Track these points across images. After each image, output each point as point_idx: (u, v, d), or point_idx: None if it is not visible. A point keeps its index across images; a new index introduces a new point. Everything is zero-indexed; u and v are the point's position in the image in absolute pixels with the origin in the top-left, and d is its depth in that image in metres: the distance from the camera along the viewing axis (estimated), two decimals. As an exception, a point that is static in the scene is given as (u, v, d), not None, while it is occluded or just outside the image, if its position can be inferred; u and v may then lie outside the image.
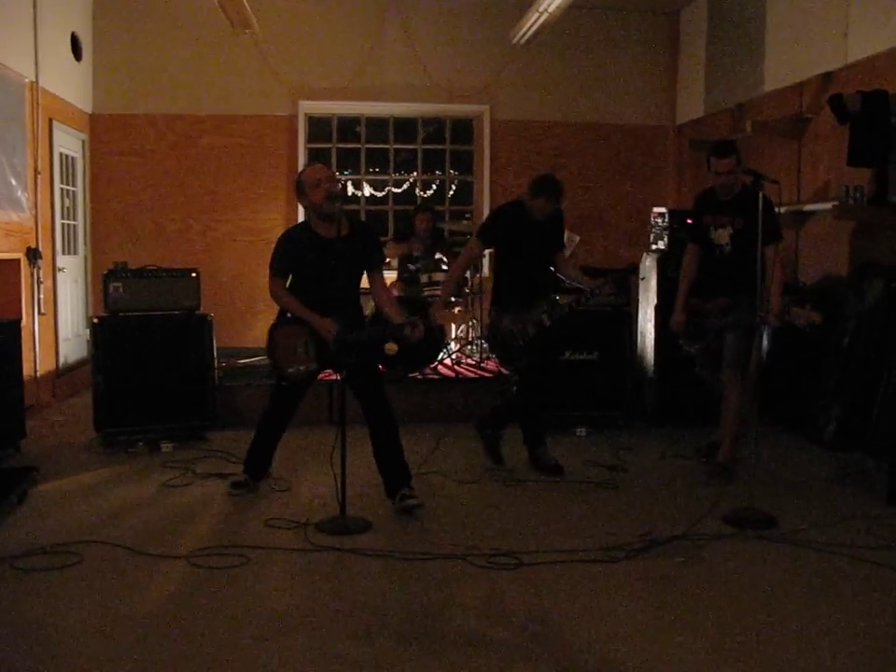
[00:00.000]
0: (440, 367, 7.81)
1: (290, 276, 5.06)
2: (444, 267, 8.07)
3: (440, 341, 7.66)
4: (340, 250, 4.80)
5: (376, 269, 5.13)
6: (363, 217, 10.34)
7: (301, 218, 9.32)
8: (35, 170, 7.79)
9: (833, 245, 7.27)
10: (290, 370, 4.93)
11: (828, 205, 6.89)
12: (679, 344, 5.97)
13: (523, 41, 9.62)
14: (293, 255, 4.97)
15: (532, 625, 3.51)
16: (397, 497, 4.91)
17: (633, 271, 6.21)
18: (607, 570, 4.09)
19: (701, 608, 3.69)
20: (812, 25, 7.59)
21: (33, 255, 7.63)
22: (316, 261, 4.88)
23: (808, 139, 7.68)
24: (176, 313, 6.58)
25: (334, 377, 5.42)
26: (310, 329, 4.89)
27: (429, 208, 8.88)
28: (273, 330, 5.03)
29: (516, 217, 5.69)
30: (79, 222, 9.32)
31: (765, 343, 7.14)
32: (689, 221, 6.79)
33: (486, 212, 10.23)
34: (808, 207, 7.45)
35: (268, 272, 5.02)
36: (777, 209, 5.45)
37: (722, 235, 5.69)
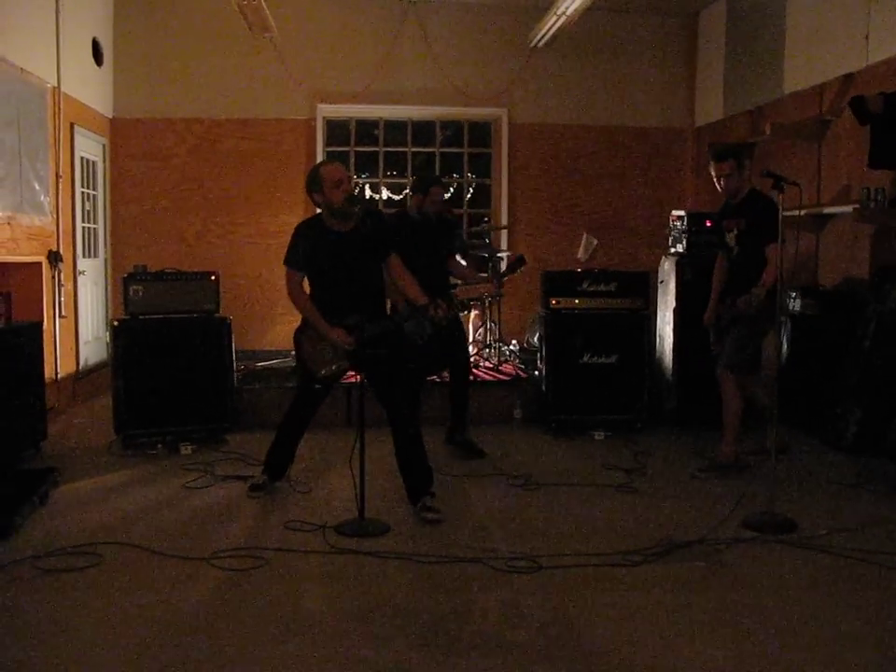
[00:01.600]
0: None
1: (308, 276, 5.02)
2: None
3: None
4: (352, 242, 4.80)
5: (392, 252, 5.01)
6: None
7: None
8: (57, 174, 7.84)
9: (853, 247, 7.23)
10: (323, 371, 4.90)
11: (849, 208, 6.86)
12: (711, 348, 6.06)
13: (541, 44, 9.64)
14: (308, 250, 4.91)
15: (551, 629, 3.51)
16: (418, 505, 4.90)
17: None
18: (626, 574, 4.08)
19: (720, 612, 3.67)
20: (832, 27, 7.55)
21: (54, 258, 7.68)
22: (330, 256, 4.86)
23: (829, 141, 7.64)
24: (196, 315, 6.61)
25: (353, 379, 5.40)
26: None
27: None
28: (299, 335, 5.01)
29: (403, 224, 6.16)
30: (100, 225, 9.37)
31: (785, 346, 7.11)
32: (708, 224, 6.89)
33: (505, 215, 10.25)
34: (829, 210, 7.41)
35: (284, 268, 4.98)
36: (798, 212, 5.52)
37: (731, 238, 5.88)
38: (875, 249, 6.96)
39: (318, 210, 5.03)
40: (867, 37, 7.00)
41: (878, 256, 6.91)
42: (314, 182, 4.89)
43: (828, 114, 7.58)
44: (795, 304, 7.13)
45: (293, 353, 5.18)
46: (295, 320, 5.14)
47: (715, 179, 5.83)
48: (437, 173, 10.53)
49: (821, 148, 7.73)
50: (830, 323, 6.86)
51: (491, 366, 8.08)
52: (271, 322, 9.65)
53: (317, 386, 5.06)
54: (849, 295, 6.95)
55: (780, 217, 4.83)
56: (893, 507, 5.10)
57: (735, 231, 5.81)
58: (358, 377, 4.85)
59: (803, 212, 6.26)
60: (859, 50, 7.10)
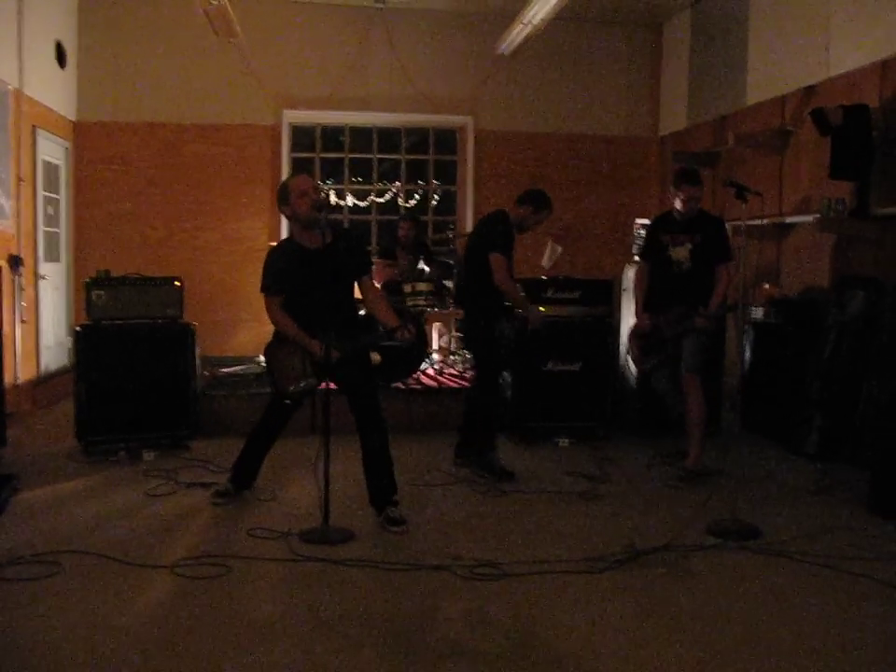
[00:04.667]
0: (422, 377, 7.81)
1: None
2: (427, 275, 8.09)
3: (422, 351, 7.67)
4: (325, 260, 4.79)
5: (364, 273, 5.11)
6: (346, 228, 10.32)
7: (284, 227, 9.31)
8: (19, 177, 7.75)
9: (814, 256, 7.32)
10: (292, 388, 4.89)
11: (810, 218, 6.96)
12: (638, 366, 6.17)
13: (507, 52, 9.67)
14: (282, 271, 4.93)
15: (515, 636, 3.51)
16: (382, 515, 4.89)
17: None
18: (590, 581, 4.09)
19: (684, 618, 3.69)
20: (794, 39, 7.66)
21: (15, 262, 7.59)
22: (302, 274, 4.87)
23: (790, 152, 7.74)
24: (159, 321, 6.54)
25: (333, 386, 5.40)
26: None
27: (413, 217, 8.92)
28: (269, 350, 4.99)
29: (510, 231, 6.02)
30: (62, 230, 9.27)
31: (747, 353, 7.19)
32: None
33: (470, 222, 10.25)
34: (790, 219, 7.50)
35: (262, 293, 4.99)
36: (760, 221, 5.64)
37: (681, 252, 5.92)
38: (836, 259, 7.06)
39: (288, 226, 5.06)
40: (827, 50, 7.11)
41: (839, 265, 7.01)
42: (282, 195, 4.93)
43: (790, 125, 7.68)
44: (757, 313, 7.21)
45: (258, 361, 5.16)
46: (259, 326, 5.13)
47: (683, 199, 5.80)
48: (402, 179, 10.56)
49: (783, 159, 7.83)
50: (792, 331, 6.93)
51: (455, 373, 8.09)
52: (235, 328, 9.58)
53: (287, 402, 5.06)
54: (811, 304, 7.03)
55: (736, 235, 4.95)
56: (855, 513, 5.17)
57: (690, 246, 5.85)
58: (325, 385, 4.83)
59: (765, 221, 6.34)
60: (819, 63, 7.21)
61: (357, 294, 5.14)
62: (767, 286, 7.31)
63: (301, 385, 4.88)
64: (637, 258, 7.57)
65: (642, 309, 6.10)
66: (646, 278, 6.16)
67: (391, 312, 5.05)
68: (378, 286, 8.20)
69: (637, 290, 6.20)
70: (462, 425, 6.28)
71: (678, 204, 5.87)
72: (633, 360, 6.16)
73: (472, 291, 6.08)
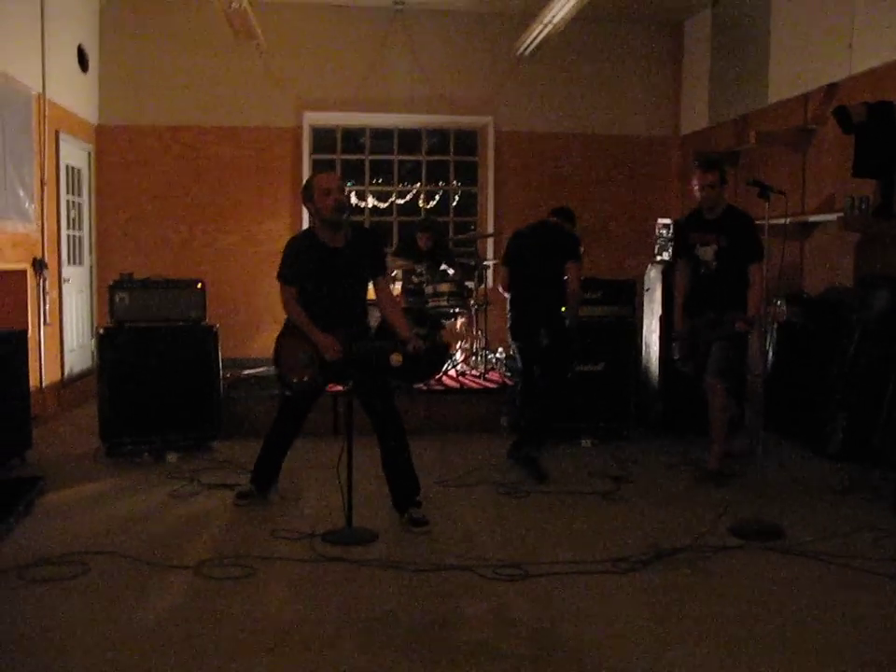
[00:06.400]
0: (444, 378, 7.80)
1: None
2: (450, 277, 8.09)
3: (444, 353, 7.66)
4: (343, 259, 4.80)
5: (380, 275, 5.07)
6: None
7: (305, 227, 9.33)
8: (42, 181, 7.81)
9: (838, 255, 7.27)
10: (295, 380, 4.89)
11: (833, 216, 6.91)
12: (676, 366, 6.10)
13: (527, 53, 9.67)
14: (299, 263, 4.92)
15: (539, 636, 3.51)
16: (405, 516, 4.89)
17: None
18: (613, 581, 4.08)
19: (708, 619, 3.68)
20: (816, 36, 7.61)
21: (39, 265, 7.64)
22: (320, 270, 4.86)
23: (813, 150, 7.69)
24: (182, 323, 6.59)
25: (339, 388, 5.40)
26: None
27: (430, 227, 8.87)
28: (279, 340, 4.99)
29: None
30: (85, 233, 9.34)
31: (770, 353, 7.15)
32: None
33: (491, 222, 10.25)
34: (813, 218, 7.45)
35: (278, 282, 4.98)
36: (783, 220, 5.58)
37: (707, 253, 5.84)
38: (860, 257, 7.00)
39: (310, 222, 5.06)
40: (850, 47, 7.05)
41: (862, 264, 6.95)
42: (307, 191, 4.91)
43: (812, 123, 7.63)
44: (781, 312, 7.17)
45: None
46: (280, 328, 5.11)
47: (697, 188, 5.79)
48: (423, 181, 10.56)
49: (806, 157, 7.78)
50: (815, 331, 6.89)
51: (477, 374, 8.08)
52: (256, 330, 9.62)
53: (287, 393, 5.06)
54: (834, 303, 6.98)
55: (760, 234, 4.86)
56: (879, 513, 5.13)
57: (715, 247, 5.77)
58: (342, 386, 4.82)
59: (788, 220, 6.32)
60: (842, 60, 7.16)
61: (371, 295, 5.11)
62: (779, 303, 7.18)
63: (305, 378, 4.87)
64: (658, 258, 7.60)
65: (682, 308, 6.02)
66: (685, 276, 6.03)
67: (404, 321, 5.02)
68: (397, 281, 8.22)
69: (677, 290, 6.12)
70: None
71: (697, 195, 5.83)
72: (678, 364, 6.14)
73: (552, 301, 6.19)
